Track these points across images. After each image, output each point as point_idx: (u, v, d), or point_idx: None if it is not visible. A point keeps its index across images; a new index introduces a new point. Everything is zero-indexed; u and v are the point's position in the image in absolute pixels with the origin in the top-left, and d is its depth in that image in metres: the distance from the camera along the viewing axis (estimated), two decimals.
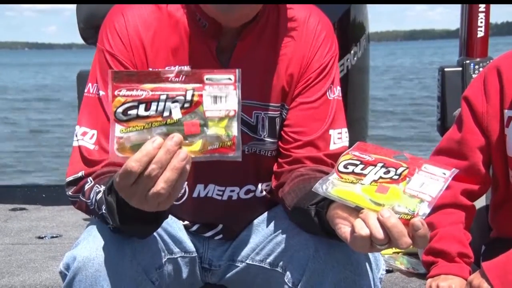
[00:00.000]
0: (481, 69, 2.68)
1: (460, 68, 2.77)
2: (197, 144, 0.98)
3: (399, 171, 1.05)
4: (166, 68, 1.31)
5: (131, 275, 1.19)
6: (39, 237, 2.48)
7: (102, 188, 1.14)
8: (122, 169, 0.98)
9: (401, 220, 0.98)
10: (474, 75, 2.70)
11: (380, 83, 19.81)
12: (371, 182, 1.04)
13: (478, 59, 2.79)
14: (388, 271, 1.81)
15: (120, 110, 0.97)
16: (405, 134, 10.63)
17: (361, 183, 1.04)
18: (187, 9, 1.32)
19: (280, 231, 1.35)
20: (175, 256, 1.36)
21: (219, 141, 0.99)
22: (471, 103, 1.65)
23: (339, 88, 1.39)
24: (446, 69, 2.78)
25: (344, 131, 1.38)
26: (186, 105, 0.99)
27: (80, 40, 2.54)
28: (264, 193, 1.42)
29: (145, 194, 0.98)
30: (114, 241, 1.18)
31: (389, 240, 0.98)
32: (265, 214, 1.43)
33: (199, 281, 1.47)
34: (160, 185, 0.97)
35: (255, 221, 1.43)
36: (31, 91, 22.25)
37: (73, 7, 2.55)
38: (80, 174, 1.27)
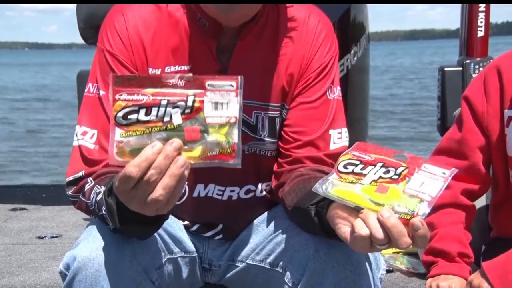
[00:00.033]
0: (481, 68, 2.68)
1: (460, 68, 2.77)
2: (197, 150, 0.98)
3: (398, 171, 1.05)
4: (166, 68, 1.31)
5: (131, 275, 1.19)
6: (39, 237, 2.48)
7: (102, 189, 1.14)
8: (121, 174, 0.98)
9: (401, 220, 0.98)
10: (474, 75, 2.70)
11: (380, 83, 19.82)
12: (371, 182, 1.04)
13: (478, 59, 2.79)
14: (388, 271, 1.81)
15: (120, 114, 0.97)
16: (405, 134, 10.63)
17: (360, 183, 1.04)
18: (187, 9, 1.32)
19: (280, 231, 1.35)
20: (175, 256, 1.36)
21: (219, 147, 0.99)
22: (471, 103, 1.65)
23: (339, 88, 1.39)
24: (446, 69, 2.78)
25: (344, 130, 1.38)
26: (187, 111, 0.98)
27: (80, 40, 2.54)
28: (264, 193, 1.42)
29: (144, 200, 0.98)
30: (114, 241, 1.18)
31: (389, 240, 0.98)
32: (265, 214, 1.43)
33: (199, 281, 1.47)
34: (158, 192, 0.97)
35: (255, 221, 1.43)
36: (30, 91, 22.25)
37: (73, 7, 2.55)
38: (80, 174, 1.27)
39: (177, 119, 0.98)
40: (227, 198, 1.40)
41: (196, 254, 1.42)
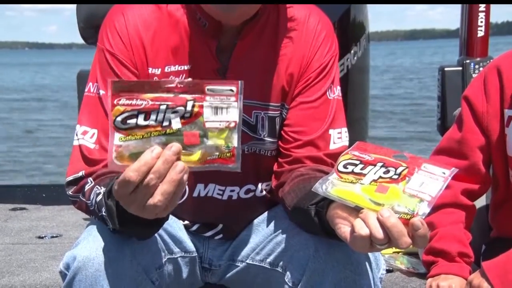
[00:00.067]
0: (481, 68, 2.68)
1: (460, 68, 2.77)
2: (197, 154, 0.98)
3: (398, 171, 1.05)
4: (166, 68, 1.31)
5: (131, 275, 1.19)
6: (39, 237, 2.48)
7: (102, 190, 1.14)
8: (121, 178, 0.98)
9: (400, 220, 0.98)
10: (474, 75, 2.70)
11: (380, 82, 19.81)
12: (371, 182, 1.04)
13: (478, 59, 2.79)
14: (388, 271, 1.81)
15: (119, 119, 0.97)
16: (405, 134, 10.63)
17: (360, 183, 1.04)
18: (187, 9, 1.32)
19: (280, 231, 1.35)
20: (175, 256, 1.36)
21: (218, 151, 0.99)
22: (471, 103, 1.65)
23: (339, 87, 1.39)
24: (446, 69, 2.78)
25: (344, 130, 1.38)
26: (186, 115, 0.98)
27: (80, 40, 2.54)
28: (264, 192, 1.42)
29: (143, 204, 0.98)
30: (114, 241, 1.18)
31: (389, 240, 0.98)
32: (265, 214, 1.43)
33: (199, 281, 1.47)
34: (157, 198, 0.97)
35: (255, 221, 1.43)
36: (30, 91, 22.25)
37: (73, 7, 2.55)
38: (80, 173, 1.27)
39: (176, 124, 0.98)
40: (227, 198, 1.40)
41: (196, 254, 1.42)
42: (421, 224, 0.98)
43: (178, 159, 0.97)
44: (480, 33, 2.83)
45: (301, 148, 1.34)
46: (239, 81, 0.99)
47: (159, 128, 0.98)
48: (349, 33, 2.52)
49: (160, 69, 1.31)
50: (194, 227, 1.43)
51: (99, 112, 1.29)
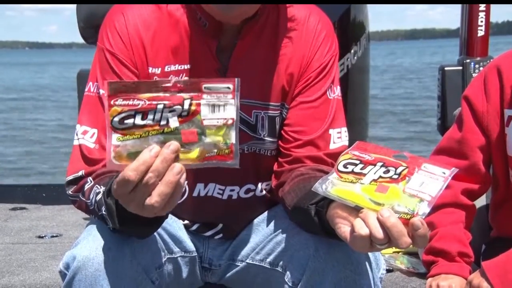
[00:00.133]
0: (481, 68, 2.68)
1: (461, 67, 2.77)
2: (195, 152, 0.98)
3: (398, 171, 1.05)
4: (166, 68, 1.31)
5: (131, 274, 1.19)
6: (39, 237, 2.48)
7: (102, 189, 1.14)
8: (120, 178, 0.98)
9: (400, 220, 0.98)
10: (474, 74, 2.70)
11: (380, 82, 19.81)
12: (371, 182, 1.04)
13: (478, 58, 2.79)
14: (388, 271, 1.81)
15: (116, 119, 0.97)
16: (405, 134, 10.63)
17: (360, 183, 1.04)
18: (188, 8, 1.32)
19: (280, 230, 1.35)
20: (175, 256, 1.36)
21: (216, 148, 0.99)
22: (471, 103, 1.65)
23: (339, 87, 1.40)
24: (446, 68, 2.78)
25: (344, 130, 1.38)
26: (184, 114, 0.98)
27: (80, 40, 2.54)
28: (264, 192, 1.42)
29: (142, 203, 0.98)
30: (114, 240, 1.18)
31: (389, 239, 0.98)
32: (265, 213, 1.43)
33: (199, 280, 1.47)
34: (154, 199, 0.97)
35: (255, 221, 1.43)
36: (30, 90, 22.25)
37: (73, 6, 2.55)
38: (80, 173, 1.27)
39: (174, 122, 0.98)
40: (227, 197, 1.40)
41: (196, 254, 1.42)
42: (421, 224, 0.98)
43: (177, 157, 0.97)
44: (480, 33, 2.83)
45: (301, 147, 1.34)
46: (236, 79, 1.00)
47: (156, 127, 0.98)
48: (349, 33, 2.52)
49: (160, 69, 1.31)
50: (194, 227, 1.43)
51: (99, 112, 1.29)
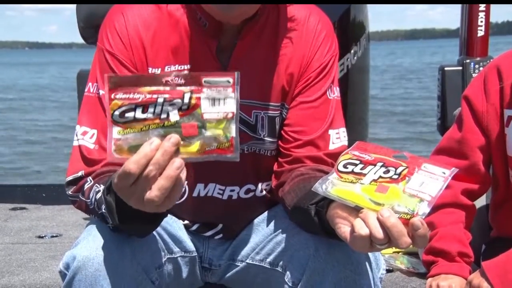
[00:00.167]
0: (481, 68, 2.68)
1: (460, 67, 2.77)
2: (195, 145, 0.99)
3: (398, 171, 1.05)
4: (166, 68, 1.31)
5: (131, 274, 1.19)
6: (39, 237, 2.48)
7: (102, 187, 1.14)
8: (121, 171, 0.98)
9: (400, 220, 0.98)
10: (474, 75, 2.70)
11: (380, 82, 19.81)
12: (371, 182, 1.04)
13: (478, 58, 2.79)
14: (388, 271, 1.81)
15: (117, 112, 0.98)
16: (404, 134, 10.63)
17: (360, 183, 1.04)
18: (188, 8, 1.32)
19: (280, 230, 1.35)
20: (175, 256, 1.36)
21: (217, 142, 0.99)
22: (471, 103, 1.65)
23: (338, 88, 1.40)
24: (446, 68, 2.78)
25: (342, 130, 1.38)
26: (184, 107, 0.99)
27: (80, 40, 2.54)
28: (264, 192, 1.42)
29: (143, 197, 0.98)
30: (114, 240, 1.18)
31: (389, 239, 0.98)
32: (265, 213, 1.43)
33: (199, 280, 1.47)
34: (154, 193, 0.97)
35: (255, 221, 1.43)
36: (30, 90, 22.24)
37: (73, 6, 2.55)
38: (80, 173, 1.27)
39: (174, 116, 0.98)
40: (227, 197, 1.40)
41: (196, 254, 1.42)
42: (421, 224, 0.98)
43: (177, 150, 0.97)
44: (480, 33, 2.83)
45: (301, 147, 1.34)
46: (236, 72, 1.00)
47: (157, 121, 0.98)
48: (349, 33, 2.52)
49: (160, 69, 1.31)
50: (194, 227, 1.43)
51: (99, 112, 1.29)
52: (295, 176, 1.30)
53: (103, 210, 1.12)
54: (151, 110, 0.98)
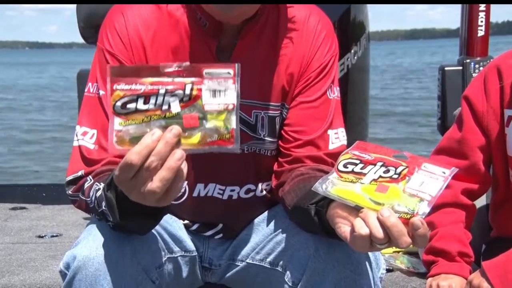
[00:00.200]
0: (481, 68, 2.68)
1: (461, 67, 2.77)
2: (196, 137, 0.99)
3: (398, 170, 1.05)
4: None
5: (131, 274, 1.19)
6: (39, 236, 2.48)
7: (102, 185, 1.14)
8: (122, 162, 0.97)
9: (400, 219, 0.98)
10: (474, 74, 2.70)
11: (380, 82, 19.81)
12: (371, 181, 1.04)
13: (478, 58, 2.79)
14: (388, 270, 1.81)
15: (119, 103, 0.98)
16: (404, 134, 10.62)
17: (360, 182, 1.04)
18: (188, 8, 1.32)
19: (280, 230, 1.35)
20: (175, 255, 1.37)
21: (217, 133, 0.99)
22: (471, 103, 1.65)
23: (338, 88, 1.40)
24: (446, 68, 2.78)
25: (341, 130, 1.38)
26: (185, 98, 0.99)
27: (80, 40, 2.54)
28: (264, 192, 1.42)
29: (144, 189, 0.98)
30: (114, 240, 1.18)
31: (389, 239, 0.98)
32: (265, 213, 1.43)
33: (199, 280, 1.47)
34: (155, 184, 0.97)
35: (255, 221, 1.43)
36: (30, 90, 22.25)
37: (73, 6, 2.55)
38: (79, 173, 1.27)
39: (176, 107, 0.98)
40: (227, 197, 1.40)
41: (196, 253, 1.42)
42: (421, 224, 0.98)
43: (179, 142, 0.97)
44: (480, 33, 2.83)
45: (301, 147, 1.34)
46: (236, 64, 1.00)
47: (158, 112, 0.98)
48: (349, 33, 2.52)
49: None
50: (194, 227, 1.43)
51: (99, 112, 1.29)
52: (295, 176, 1.30)
53: (104, 208, 1.12)
54: (152, 101, 0.98)
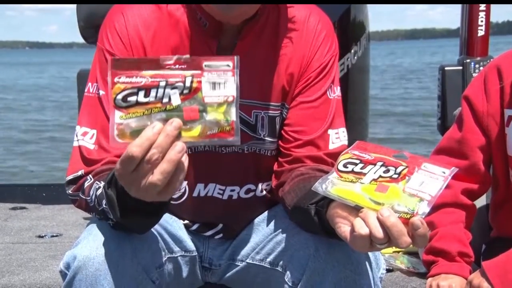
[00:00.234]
0: (481, 68, 2.68)
1: (461, 67, 2.77)
2: (197, 130, 0.99)
3: (398, 170, 1.05)
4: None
5: (132, 274, 1.19)
6: (39, 236, 2.48)
7: (102, 184, 1.15)
8: (123, 155, 0.97)
9: (400, 219, 0.98)
10: (474, 74, 2.70)
11: (380, 82, 19.80)
12: (371, 181, 1.04)
13: (478, 58, 2.79)
14: (388, 270, 1.81)
15: (119, 97, 0.98)
16: (404, 134, 10.63)
17: (360, 182, 1.04)
18: (188, 8, 1.32)
19: (280, 230, 1.35)
20: (175, 255, 1.37)
21: (218, 126, 1.00)
22: (471, 102, 1.65)
23: (338, 87, 1.40)
24: (446, 68, 2.78)
25: (342, 130, 1.38)
26: (185, 91, 0.99)
27: (80, 39, 2.54)
28: (264, 192, 1.42)
29: (145, 183, 0.98)
30: (115, 240, 1.18)
31: (389, 239, 0.98)
32: (265, 213, 1.43)
33: (199, 280, 1.47)
34: (156, 177, 0.97)
35: (255, 221, 1.43)
36: (31, 90, 22.25)
37: (74, 6, 2.55)
38: (79, 173, 1.27)
39: (176, 100, 0.99)
40: (227, 197, 1.40)
41: (196, 253, 1.42)
42: (421, 224, 0.98)
43: (179, 134, 0.98)
44: (481, 33, 2.83)
45: (301, 147, 1.34)
46: (235, 56, 1.01)
47: (159, 105, 0.99)
48: (349, 33, 2.52)
49: None
50: (194, 227, 1.43)
51: (99, 112, 1.29)
52: (295, 176, 1.30)
53: (104, 206, 1.12)
54: (153, 94, 0.98)
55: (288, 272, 1.26)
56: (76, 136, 1.31)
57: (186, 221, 1.43)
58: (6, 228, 2.62)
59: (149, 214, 1.11)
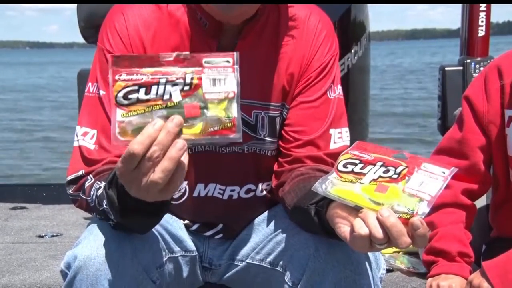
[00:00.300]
0: (481, 68, 2.68)
1: (461, 67, 2.77)
2: (198, 127, 0.99)
3: (398, 170, 1.05)
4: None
5: (132, 274, 1.19)
6: (40, 236, 2.48)
7: (103, 184, 1.15)
8: (125, 153, 0.97)
9: (400, 219, 0.98)
10: (475, 75, 2.70)
11: (380, 82, 19.80)
12: (371, 181, 1.04)
13: (479, 58, 2.79)
14: (388, 271, 1.81)
15: (120, 94, 0.98)
16: (404, 134, 10.62)
17: (360, 182, 1.04)
18: (188, 8, 1.32)
19: (280, 230, 1.35)
20: (176, 255, 1.37)
21: (219, 123, 0.99)
22: (471, 103, 1.65)
23: (340, 86, 1.40)
24: (446, 68, 2.78)
25: (345, 130, 1.38)
26: (186, 88, 0.99)
27: (81, 39, 2.54)
28: (264, 192, 1.42)
29: (146, 182, 0.97)
30: (115, 240, 1.18)
31: (389, 239, 0.98)
32: (266, 213, 1.43)
33: (200, 280, 1.47)
34: (157, 175, 0.97)
35: (256, 221, 1.43)
36: (31, 90, 22.24)
37: (74, 6, 2.55)
38: (80, 173, 1.27)
39: (177, 97, 0.99)
40: (228, 197, 1.40)
41: (197, 253, 1.42)
42: (421, 224, 0.98)
43: (180, 131, 0.98)
44: (481, 33, 2.83)
45: (302, 147, 1.34)
46: (235, 53, 1.01)
47: (160, 102, 0.99)
48: (350, 33, 2.52)
49: None
50: (194, 227, 1.43)
51: (99, 112, 1.29)
52: (295, 176, 1.30)
53: (104, 206, 1.12)
54: (153, 91, 0.98)
55: (288, 272, 1.26)
56: (77, 136, 1.31)
57: (186, 221, 1.43)
58: (6, 228, 2.62)
59: (150, 214, 1.11)
